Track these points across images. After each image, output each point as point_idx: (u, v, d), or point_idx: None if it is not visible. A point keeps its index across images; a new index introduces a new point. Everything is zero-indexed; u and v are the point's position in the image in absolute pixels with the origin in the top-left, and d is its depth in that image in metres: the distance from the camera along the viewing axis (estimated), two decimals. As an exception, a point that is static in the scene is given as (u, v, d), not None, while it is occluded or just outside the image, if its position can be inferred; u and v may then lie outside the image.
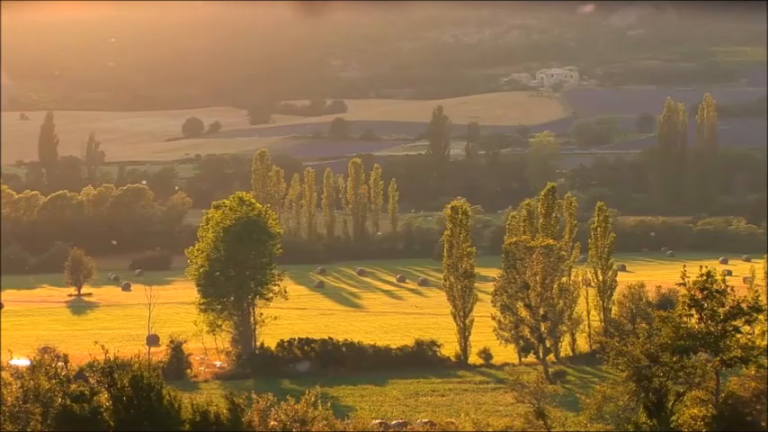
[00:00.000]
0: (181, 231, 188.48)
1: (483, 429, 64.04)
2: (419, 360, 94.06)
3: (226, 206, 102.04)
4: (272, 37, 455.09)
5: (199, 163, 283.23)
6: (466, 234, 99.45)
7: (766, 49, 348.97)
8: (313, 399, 53.94)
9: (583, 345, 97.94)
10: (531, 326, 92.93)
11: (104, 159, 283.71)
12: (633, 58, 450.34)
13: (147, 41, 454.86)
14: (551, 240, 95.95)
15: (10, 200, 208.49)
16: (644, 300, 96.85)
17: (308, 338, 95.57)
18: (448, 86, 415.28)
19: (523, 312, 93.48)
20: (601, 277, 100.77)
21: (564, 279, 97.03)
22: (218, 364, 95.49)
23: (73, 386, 49.35)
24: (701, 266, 52.66)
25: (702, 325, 51.65)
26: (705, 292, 51.51)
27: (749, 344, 52.31)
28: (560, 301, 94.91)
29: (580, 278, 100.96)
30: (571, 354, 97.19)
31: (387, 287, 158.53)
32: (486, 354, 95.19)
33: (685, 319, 52.17)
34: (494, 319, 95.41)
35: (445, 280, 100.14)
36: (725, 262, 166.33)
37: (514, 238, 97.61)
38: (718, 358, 51.33)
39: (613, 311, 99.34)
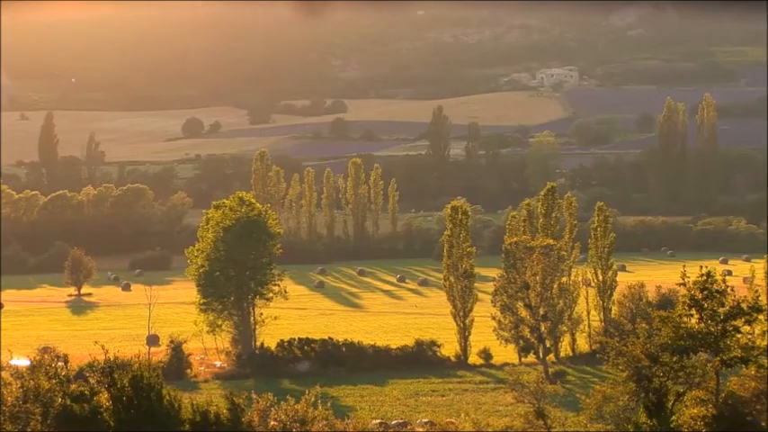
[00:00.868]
0: (181, 231, 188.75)
1: (483, 429, 64.09)
2: (419, 360, 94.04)
3: (226, 206, 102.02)
4: (272, 37, 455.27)
5: (199, 163, 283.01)
6: (466, 234, 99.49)
7: (766, 49, 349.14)
8: (313, 399, 53.97)
9: (583, 345, 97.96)
10: (531, 326, 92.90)
11: (104, 159, 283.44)
12: (633, 58, 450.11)
13: (147, 41, 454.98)
14: (551, 240, 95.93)
15: (10, 200, 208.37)
16: (644, 300, 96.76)
17: (307, 338, 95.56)
18: (448, 86, 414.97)
19: (523, 312, 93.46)
20: (601, 277, 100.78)
21: (564, 279, 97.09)
22: (218, 364, 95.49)
23: (73, 386, 49.26)
24: (701, 266, 52.67)
25: (702, 325, 51.65)
26: (705, 292, 51.52)
27: (749, 344, 52.33)
28: (560, 301, 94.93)
29: (580, 278, 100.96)
30: (571, 354, 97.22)
31: (387, 287, 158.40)
32: (486, 354, 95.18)
33: (685, 319, 52.18)
34: (494, 319, 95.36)
35: (445, 280, 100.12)
36: (725, 262, 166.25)
37: (514, 238, 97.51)
38: (718, 358, 51.33)
39: (613, 311, 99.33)
